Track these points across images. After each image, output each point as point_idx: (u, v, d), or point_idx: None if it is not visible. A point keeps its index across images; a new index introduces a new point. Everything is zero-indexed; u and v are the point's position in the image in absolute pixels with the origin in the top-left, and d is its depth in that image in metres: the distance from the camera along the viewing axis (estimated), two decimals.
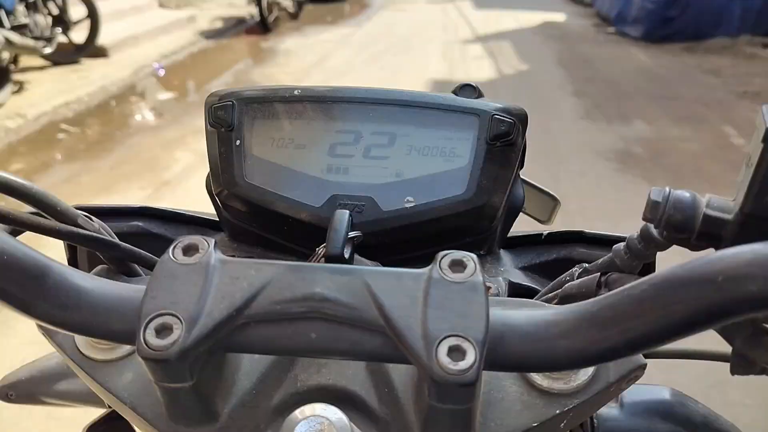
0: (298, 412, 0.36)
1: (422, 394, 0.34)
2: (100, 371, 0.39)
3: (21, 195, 0.41)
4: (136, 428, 0.49)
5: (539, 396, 0.37)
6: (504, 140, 0.48)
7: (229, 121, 0.50)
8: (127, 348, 0.40)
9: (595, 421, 0.66)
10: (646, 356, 0.39)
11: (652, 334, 0.29)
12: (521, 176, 0.60)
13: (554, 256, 0.54)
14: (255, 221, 0.52)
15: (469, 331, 0.31)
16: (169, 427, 0.36)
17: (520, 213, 0.57)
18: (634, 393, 0.69)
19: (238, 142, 0.50)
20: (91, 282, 0.34)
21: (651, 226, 0.38)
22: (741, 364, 0.35)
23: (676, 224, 0.35)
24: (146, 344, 0.31)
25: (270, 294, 0.32)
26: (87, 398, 0.69)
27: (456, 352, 0.30)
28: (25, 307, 0.33)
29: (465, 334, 0.30)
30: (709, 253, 0.28)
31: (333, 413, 0.36)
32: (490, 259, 0.54)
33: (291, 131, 0.50)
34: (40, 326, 0.42)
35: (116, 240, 0.44)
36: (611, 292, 0.31)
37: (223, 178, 0.50)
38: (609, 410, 0.68)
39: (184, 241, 0.34)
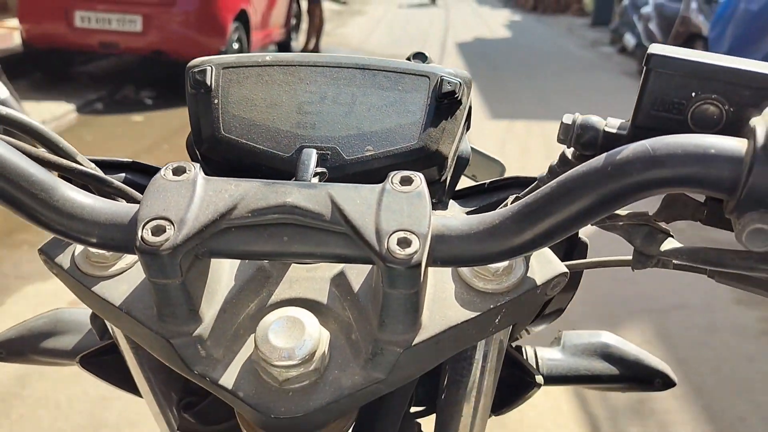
0: (272, 314, 0.42)
1: (378, 288, 0.40)
2: (97, 285, 0.44)
3: (27, 131, 0.46)
4: (124, 345, 0.55)
5: (476, 295, 0.43)
6: (451, 98, 0.55)
7: (207, 83, 0.56)
8: (120, 265, 0.45)
9: (539, 361, 0.73)
10: (569, 268, 0.46)
11: (562, 222, 0.36)
12: (471, 146, 0.67)
13: (495, 199, 0.61)
14: (230, 172, 0.58)
15: (413, 227, 0.37)
16: (158, 327, 0.42)
17: (470, 181, 0.64)
18: (574, 337, 0.76)
19: (215, 101, 0.56)
20: (93, 199, 0.40)
21: (567, 151, 0.46)
22: (640, 260, 0.42)
23: (584, 142, 0.42)
24: (143, 241, 0.36)
25: (248, 203, 0.38)
26: (71, 357, 0.74)
27: (403, 243, 0.37)
28: (37, 217, 0.38)
29: (410, 228, 0.37)
30: None
31: (303, 314, 0.42)
32: (440, 207, 0.61)
33: (263, 92, 0.56)
34: (41, 253, 0.47)
35: (110, 178, 0.49)
36: (529, 195, 0.38)
37: (203, 132, 0.56)
38: (551, 352, 0.75)
39: (174, 164, 0.40)
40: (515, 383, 0.65)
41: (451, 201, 0.62)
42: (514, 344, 0.72)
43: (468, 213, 0.61)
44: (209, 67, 0.56)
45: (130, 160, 0.59)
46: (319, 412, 0.41)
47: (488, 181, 0.61)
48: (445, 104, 0.55)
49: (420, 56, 0.62)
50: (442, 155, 0.55)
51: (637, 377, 0.74)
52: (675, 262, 0.42)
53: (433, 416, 0.68)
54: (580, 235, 0.56)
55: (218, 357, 0.42)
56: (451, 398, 0.61)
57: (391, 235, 0.37)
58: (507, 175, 0.74)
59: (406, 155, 0.55)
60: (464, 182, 0.67)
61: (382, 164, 0.55)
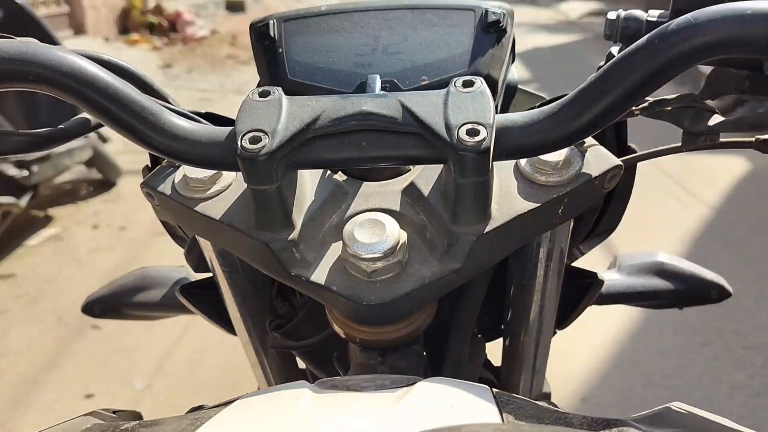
0: (356, 218, 0.47)
1: (449, 185, 0.44)
2: (198, 206, 0.50)
3: (126, 75, 0.52)
4: (219, 272, 0.60)
5: (539, 188, 0.48)
6: (496, 27, 0.59)
7: (271, 35, 0.61)
8: (216, 188, 0.51)
9: (599, 275, 0.77)
10: (623, 162, 0.49)
11: (617, 100, 0.40)
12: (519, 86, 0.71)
13: None
14: None
15: (480, 118, 0.42)
16: (257, 234, 0.47)
17: None
18: (629, 258, 0.79)
19: (280, 50, 0.61)
20: (193, 124, 0.45)
21: (613, 49, 0.49)
22: (689, 140, 0.45)
23: (629, 35, 0.46)
24: (243, 149, 0.42)
25: (328, 114, 0.43)
26: (163, 308, 0.81)
27: (472, 132, 0.41)
28: (147, 140, 0.44)
29: (477, 120, 0.41)
30: None
31: (383, 216, 0.47)
32: None
33: (322, 38, 0.61)
34: (144, 186, 0.53)
35: (197, 117, 0.55)
36: (582, 83, 0.42)
37: (270, 78, 0.61)
38: (608, 273, 0.78)
39: (260, 89, 0.46)
40: (576, 297, 0.69)
41: None
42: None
43: None
44: (272, 21, 0.62)
45: (206, 111, 0.65)
46: (404, 299, 0.46)
47: (538, 104, 0.65)
48: (491, 33, 0.59)
49: None
50: (492, 79, 0.59)
51: (694, 291, 0.77)
52: (722, 139, 0.45)
53: (500, 343, 0.72)
54: (629, 143, 0.59)
55: (310, 259, 0.48)
56: (516, 316, 0.65)
57: (460, 127, 0.41)
58: None
59: None
60: None
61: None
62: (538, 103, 0.66)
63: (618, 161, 0.48)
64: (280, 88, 0.46)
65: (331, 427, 0.31)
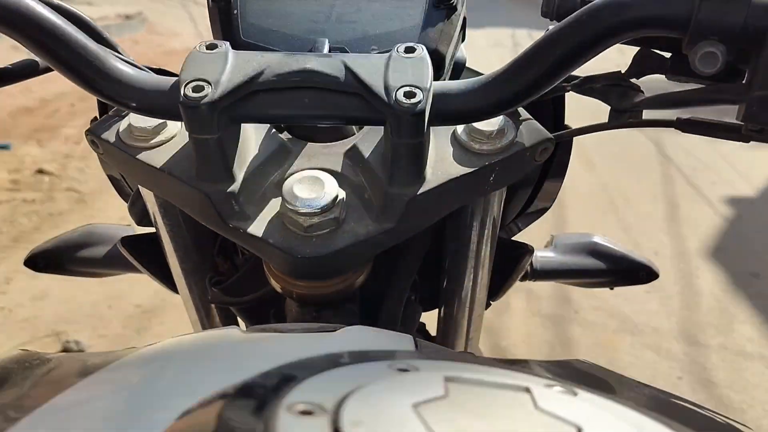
0: (296, 174, 0.49)
1: (387, 147, 0.46)
2: (141, 154, 0.51)
3: (77, 22, 0.52)
4: (161, 223, 0.61)
5: (473, 155, 0.50)
6: (447, 4, 0.61)
7: None
8: (159, 138, 0.51)
9: (532, 259, 0.80)
10: (555, 136, 0.52)
11: (548, 71, 0.42)
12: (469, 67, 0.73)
13: None
14: None
15: (417, 82, 0.43)
16: (197, 183, 0.48)
17: None
18: (565, 238, 0.83)
19: (235, 11, 0.62)
20: (139, 71, 0.46)
21: (551, 27, 0.52)
22: (615, 116, 0.48)
23: (564, 11, 0.49)
24: (186, 97, 0.43)
25: (273, 69, 0.45)
26: (107, 265, 0.81)
27: (409, 95, 0.43)
28: (92, 84, 0.44)
29: (414, 83, 0.43)
30: None
31: (322, 174, 0.49)
32: None
33: (277, 3, 0.62)
34: (88, 133, 0.54)
35: (145, 67, 0.56)
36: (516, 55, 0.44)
37: (223, 36, 0.62)
38: (543, 251, 0.82)
39: (207, 41, 0.47)
40: (510, 269, 0.72)
41: None
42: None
43: None
44: None
45: (158, 67, 0.66)
46: (340, 255, 0.48)
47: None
48: (441, 9, 0.61)
49: None
50: (440, 53, 0.61)
51: (623, 271, 0.81)
52: (645, 118, 0.48)
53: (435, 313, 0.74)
54: (566, 123, 0.62)
55: (249, 213, 0.49)
56: (451, 284, 0.68)
57: (398, 89, 0.43)
58: None
59: None
60: None
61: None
62: None
63: (549, 135, 0.51)
64: (227, 43, 0.47)
65: (255, 352, 0.32)
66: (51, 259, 0.82)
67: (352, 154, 0.52)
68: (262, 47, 0.61)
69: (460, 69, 0.68)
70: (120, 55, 0.52)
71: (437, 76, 0.65)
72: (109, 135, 0.52)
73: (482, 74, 0.87)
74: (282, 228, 0.49)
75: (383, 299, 0.66)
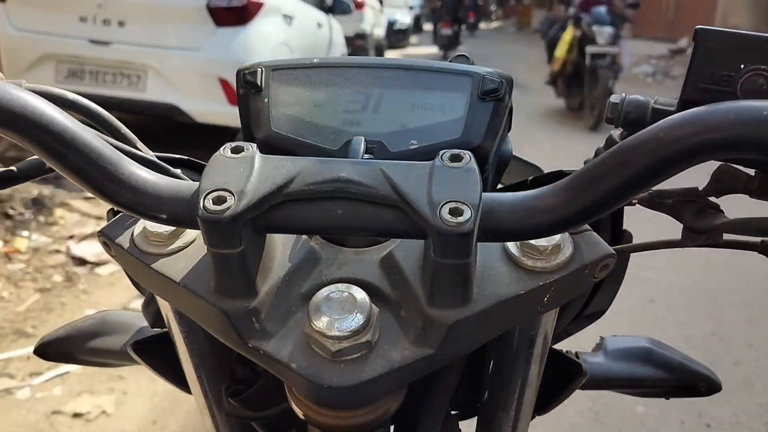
0: (324, 289, 0.43)
1: (428, 263, 0.41)
2: (156, 262, 0.46)
3: (92, 116, 0.49)
4: (176, 330, 0.56)
5: (525, 273, 0.44)
6: (493, 96, 0.57)
7: (258, 83, 0.58)
8: (177, 244, 0.47)
9: (583, 365, 0.73)
10: (616, 250, 0.46)
11: (613, 191, 0.37)
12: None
13: None
14: None
15: (465, 197, 0.38)
16: (215, 299, 0.43)
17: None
18: (617, 341, 0.76)
19: (266, 100, 0.58)
20: (156, 175, 0.42)
21: (614, 133, 0.47)
22: (690, 237, 0.42)
23: (633, 119, 0.43)
24: (205, 209, 0.38)
25: (304, 178, 0.40)
26: (119, 356, 0.75)
27: (455, 212, 0.38)
28: (104, 191, 0.40)
29: (462, 199, 0.38)
30: None
31: (354, 289, 0.43)
32: None
33: (311, 92, 0.58)
34: (101, 235, 0.49)
35: (168, 166, 0.52)
36: (578, 169, 0.39)
37: (253, 128, 0.58)
38: (593, 356, 0.74)
39: (232, 144, 0.42)
40: (558, 381, 0.65)
41: None
42: (555, 347, 0.71)
43: None
44: (260, 69, 0.59)
45: (185, 157, 0.62)
46: (371, 384, 0.42)
47: (531, 177, 0.62)
48: (487, 101, 0.57)
49: (462, 58, 0.64)
50: (484, 150, 0.56)
51: (681, 382, 0.73)
52: (726, 237, 0.42)
53: (475, 420, 0.67)
54: (624, 227, 0.56)
55: (271, 331, 0.44)
56: (493, 397, 0.61)
57: (443, 205, 0.38)
58: None
59: (449, 148, 0.56)
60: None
61: (425, 157, 0.56)
62: (530, 177, 0.63)
63: (611, 250, 0.45)
64: (254, 145, 0.43)
65: None
66: (62, 348, 0.78)
67: (388, 263, 0.47)
68: (293, 139, 0.57)
69: (505, 162, 0.63)
70: (135, 151, 0.49)
71: (480, 172, 0.60)
72: (123, 239, 0.48)
73: (532, 165, 0.83)
74: (307, 350, 0.43)
75: (419, 418, 0.59)
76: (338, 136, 0.57)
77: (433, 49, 16.36)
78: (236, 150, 0.42)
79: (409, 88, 0.58)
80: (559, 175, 0.62)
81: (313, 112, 0.58)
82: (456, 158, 0.41)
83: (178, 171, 0.52)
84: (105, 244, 0.49)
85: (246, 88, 0.59)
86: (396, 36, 17.04)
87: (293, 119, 0.58)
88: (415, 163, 0.41)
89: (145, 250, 0.47)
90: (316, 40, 5.70)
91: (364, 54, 11.01)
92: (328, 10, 6.19)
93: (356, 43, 10.68)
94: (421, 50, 17.36)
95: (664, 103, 0.43)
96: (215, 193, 0.39)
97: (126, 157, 0.41)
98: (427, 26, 27.25)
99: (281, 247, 0.47)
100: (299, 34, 5.03)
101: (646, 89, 8.66)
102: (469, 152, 0.42)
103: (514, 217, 0.39)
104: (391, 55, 14.94)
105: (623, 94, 0.45)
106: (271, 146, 0.59)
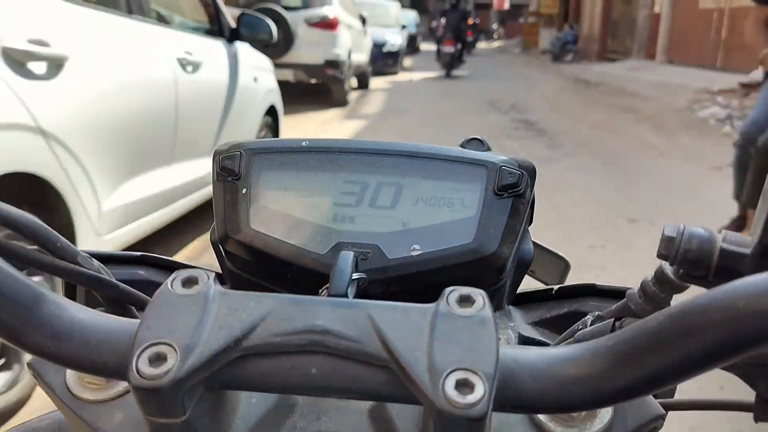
0: None
1: (427, 425, 0.31)
2: (90, 411, 0.37)
3: (20, 228, 0.40)
4: None
5: None
6: (512, 191, 0.48)
7: (235, 170, 0.50)
8: (117, 389, 0.38)
9: None
10: (666, 407, 0.37)
11: (672, 368, 0.27)
12: (532, 240, 0.60)
13: (566, 310, 0.52)
14: (258, 270, 0.51)
15: (477, 365, 0.29)
16: None
17: (530, 278, 0.56)
18: None
19: (244, 191, 0.50)
20: (86, 314, 0.33)
21: (666, 267, 0.37)
22: (764, 408, 0.33)
23: (693, 259, 0.34)
24: (138, 373, 0.29)
25: (269, 325, 0.31)
26: None
27: (464, 386, 0.28)
28: (17, 336, 0.31)
29: (473, 367, 0.29)
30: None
31: None
32: (499, 315, 0.53)
33: (297, 181, 0.50)
34: (30, 368, 0.41)
35: (115, 280, 0.43)
36: (627, 327, 0.29)
37: (228, 225, 0.49)
38: None
39: (183, 274, 0.33)
40: None
41: (512, 308, 0.54)
42: None
43: (532, 324, 0.53)
44: (239, 152, 0.51)
45: (140, 253, 0.53)
46: None
47: (556, 286, 0.53)
48: (505, 198, 0.48)
49: (476, 142, 0.55)
50: (501, 257, 0.48)
51: None
52: None
53: None
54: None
55: None
56: None
57: (447, 374, 0.29)
58: (570, 272, 0.65)
59: (459, 256, 0.47)
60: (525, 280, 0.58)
61: (430, 266, 0.47)
62: (557, 286, 0.54)
63: (661, 409, 0.36)
64: (213, 275, 0.34)
65: None
66: None
67: (378, 415, 0.38)
68: (274, 240, 0.48)
69: (525, 264, 0.54)
70: (76, 268, 0.40)
71: (496, 280, 0.51)
72: (55, 377, 0.39)
73: (557, 256, 0.73)
74: None
75: None
76: (327, 236, 0.49)
77: (431, 74, 14.89)
78: (188, 283, 0.33)
79: (413, 179, 0.50)
80: (590, 290, 0.53)
81: (299, 206, 0.50)
82: (466, 301, 0.32)
83: (127, 288, 0.43)
84: (36, 377, 0.40)
85: (222, 176, 0.51)
86: (385, 60, 14.52)
87: (275, 215, 0.49)
88: (413, 308, 0.32)
89: (77, 394, 0.38)
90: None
91: (339, 85, 8.96)
92: (233, 36, 3.81)
93: (327, 72, 8.64)
94: (416, 75, 15.17)
95: (736, 242, 0.34)
96: (153, 349, 0.30)
97: (48, 293, 0.33)
98: (424, 46, 25.75)
99: (244, 395, 0.38)
100: None
101: (725, 142, 6.21)
102: (482, 292, 0.32)
103: (541, 387, 0.30)
104: (377, 83, 12.65)
105: (681, 226, 0.36)
106: (247, 246, 0.50)
